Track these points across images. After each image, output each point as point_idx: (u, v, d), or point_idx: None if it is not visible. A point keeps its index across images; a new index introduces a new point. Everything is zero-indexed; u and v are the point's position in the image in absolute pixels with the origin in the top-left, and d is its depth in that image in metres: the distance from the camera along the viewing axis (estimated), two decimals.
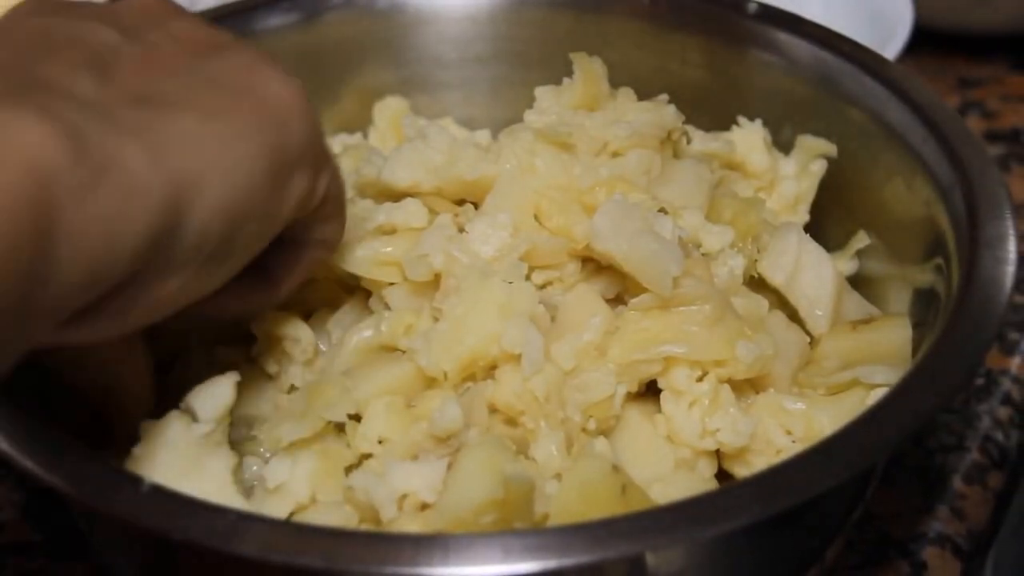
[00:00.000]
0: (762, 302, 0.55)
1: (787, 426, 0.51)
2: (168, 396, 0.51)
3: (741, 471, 0.52)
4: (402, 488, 0.46)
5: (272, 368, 0.55)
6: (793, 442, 0.51)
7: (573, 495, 0.45)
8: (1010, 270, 0.48)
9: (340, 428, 0.51)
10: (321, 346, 0.56)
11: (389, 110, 0.71)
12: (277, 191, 0.43)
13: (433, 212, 0.57)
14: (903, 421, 0.43)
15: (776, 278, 0.56)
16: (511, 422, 0.50)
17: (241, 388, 0.50)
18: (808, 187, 0.64)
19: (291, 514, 0.49)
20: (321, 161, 0.46)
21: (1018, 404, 0.68)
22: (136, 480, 0.41)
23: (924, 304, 0.54)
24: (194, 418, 0.48)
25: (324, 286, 0.58)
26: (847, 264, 0.62)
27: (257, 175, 0.41)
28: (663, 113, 0.60)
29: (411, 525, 0.46)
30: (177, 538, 0.40)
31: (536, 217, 0.55)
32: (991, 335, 0.46)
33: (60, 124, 0.35)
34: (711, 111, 0.66)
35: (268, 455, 0.51)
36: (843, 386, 0.53)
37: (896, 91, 0.59)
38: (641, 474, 0.49)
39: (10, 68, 0.38)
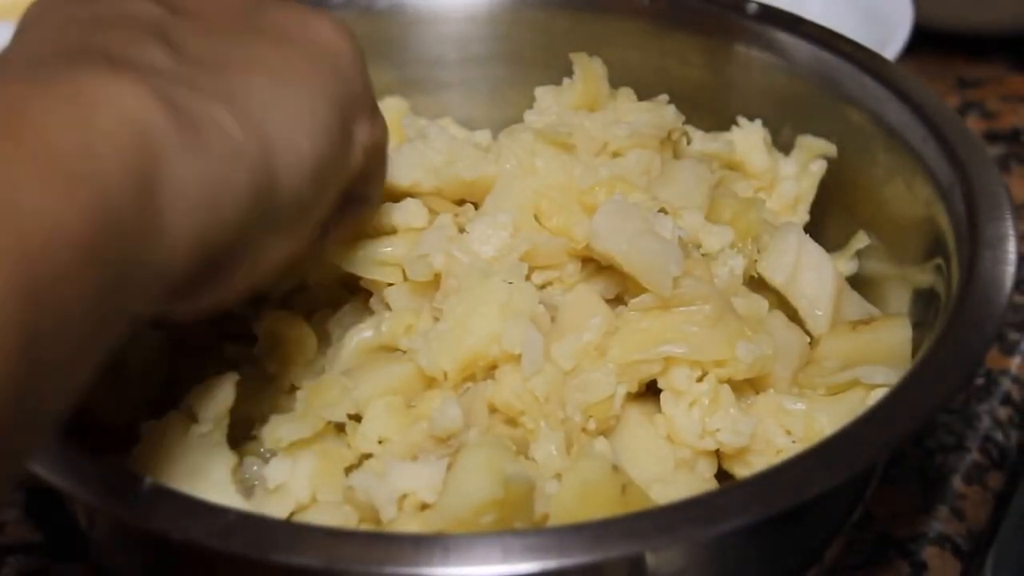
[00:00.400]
0: (762, 302, 0.55)
1: (787, 426, 0.51)
2: (168, 396, 0.51)
3: (741, 471, 0.51)
4: (402, 488, 0.46)
5: (272, 368, 0.55)
6: (793, 442, 0.51)
7: (573, 495, 0.45)
8: (1010, 270, 0.48)
9: (340, 428, 0.51)
10: (322, 346, 0.56)
11: (389, 110, 0.70)
12: (347, 141, 0.44)
13: (433, 212, 0.57)
14: (903, 421, 0.43)
15: (776, 278, 0.56)
16: (511, 422, 0.50)
17: (241, 388, 0.50)
18: (808, 187, 0.64)
19: (291, 514, 0.49)
20: (374, 106, 0.47)
21: (1018, 404, 0.68)
22: (136, 480, 0.41)
23: (924, 304, 0.54)
24: (194, 418, 0.48)
25: (325, 286, 0.58)
26: (847, 264, 0.62)
27: (333, 129, 0.42)
28: (663, 113, 0.60)
29: (411, 525, 0.46)
30: (177, 538, 0.40)
31: (536, 217, 0.55)
32: (991, 335, 0.46)
33: (156, 90, 0.34)
34: (711, 111, 0.66)
35: (268, 455, 0.51)
36: (843, 386, 0.53)
37: (896, 91, 0.59)
38: (641, 474, 0.49)
39: (81, 45, 0.37)
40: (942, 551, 0.59)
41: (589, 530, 0.39)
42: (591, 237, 0.52)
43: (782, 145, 0.65)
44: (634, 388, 0.51)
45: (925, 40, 0.90)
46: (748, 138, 0.64)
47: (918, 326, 0.53)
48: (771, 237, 0.57)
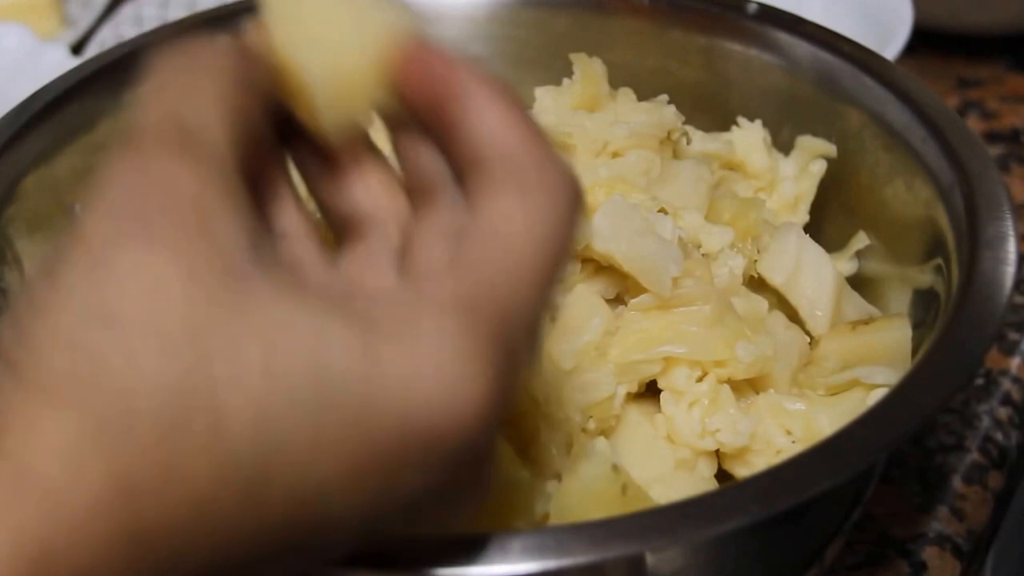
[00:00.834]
0: (762, 302, 0.55)
1: (787, 426, 0.51)
2: None
3: (741, 471, 0.51)
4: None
5: None
6: (793, 442, 0.51)
7: (573, 495, 0.45)
8: (1010, 270, 0.48)
9: None
10: None
11: None
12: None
13: None
14: (903, 421, 0.43)
15: (776, 278, 0.56)
16: (511, 422, 0.50)
17: None
18: (808, 187, 0.64)
19: None
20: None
21: (1018, 404, 0.68)
22: None
23: (924, 304, 0.54)
24: None
25: None
26: (847, 264, 0.61)
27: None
28: (663, 113, 0.60)
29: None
30: None
31: None
32: (991, 335, 0.46)
33: None
34: (711, 111, 0.66)
35: None
36: (843, 386, 0.53)
37: (896, 91, 0.59)
38: (641, 474, 0.49)
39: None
40: (942, 551, 0.59)
41: (589, 530, 0.39)
42: (591, 237, 0.52)
43: (782, 145, 0.65)
44: (634, 388, 0.51)
45: (925, 40, 0.90)
46: (748, 138, 0.64)
47: (918, 326, 0.53)
48: (771, 237, 0.57)
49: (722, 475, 0.52)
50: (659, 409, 0.52)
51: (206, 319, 0.29)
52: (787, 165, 0.64)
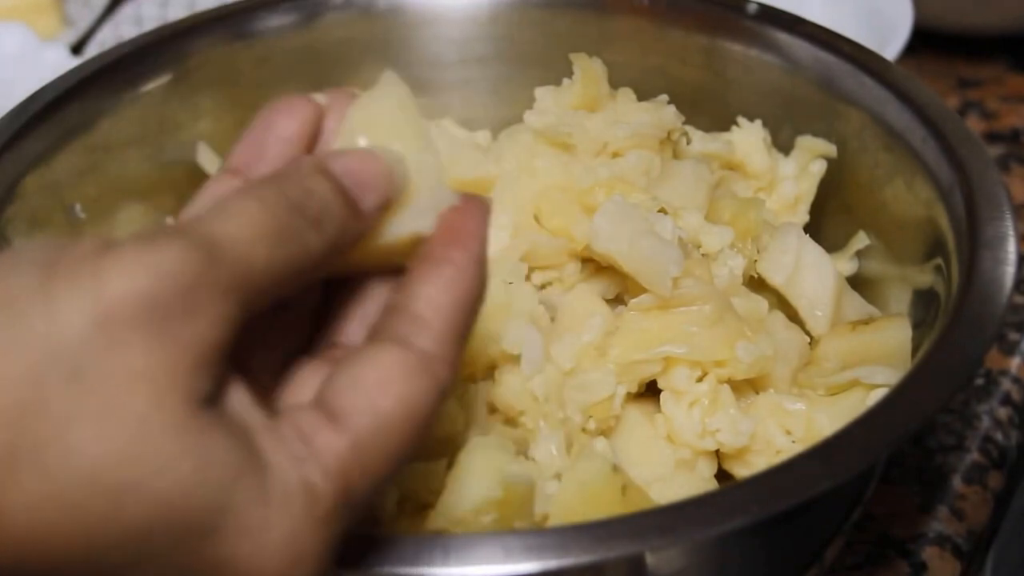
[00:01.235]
0: (762, 302, 0.55)
1: (787, 426, 0.51)
2: None
3: (741, 471, 0.52)
4: (402, 488, 0.46)
5: None
6: (793, 442, 0.51)
7: (573, 495, 0.45)
8: (1010, 270, 0.48)
9: None
10: None
11: None
12: None
13: None
14: (903, 421, 0.43)
15: (776, 278, 0.56)
16: (511, 422, 0.50)
17: None
18: (808, 187, 0.64)
19: None
20: None
21: (1018, 404, 0.68)
22: None
23: (924, 304, 0.54)
24: None
25: None
26: (847, 264, 0.62)
27: None
28: (663, 113, 0.60)
29: (411, 525, 0.46)
30: None
31: (536, 218, 0.55)
32: (991, 335, 0.46)
33: None
34: (711, 111, 0.66)
35: None
36: (843, 386, 0.53)
37: (896, 91, 0.59)
38: (641, 474, 0.49)
39: None
40: (942, 551, 0.59)
41: (589, 530, 0.39)
42: (591, 237, 0.52)
43: (782, 145, 0.65)
44: (634, 388, 0.51)
45: (925, 40, 0.90)
46: (748, 138, 0.64)
47: (918, 326, 0.53)
48: (771, 237, 0.57)
49: (722, 475, 0.52)
50: (659, 409, 0.52)
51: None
52: (787, 165, 0.64)
